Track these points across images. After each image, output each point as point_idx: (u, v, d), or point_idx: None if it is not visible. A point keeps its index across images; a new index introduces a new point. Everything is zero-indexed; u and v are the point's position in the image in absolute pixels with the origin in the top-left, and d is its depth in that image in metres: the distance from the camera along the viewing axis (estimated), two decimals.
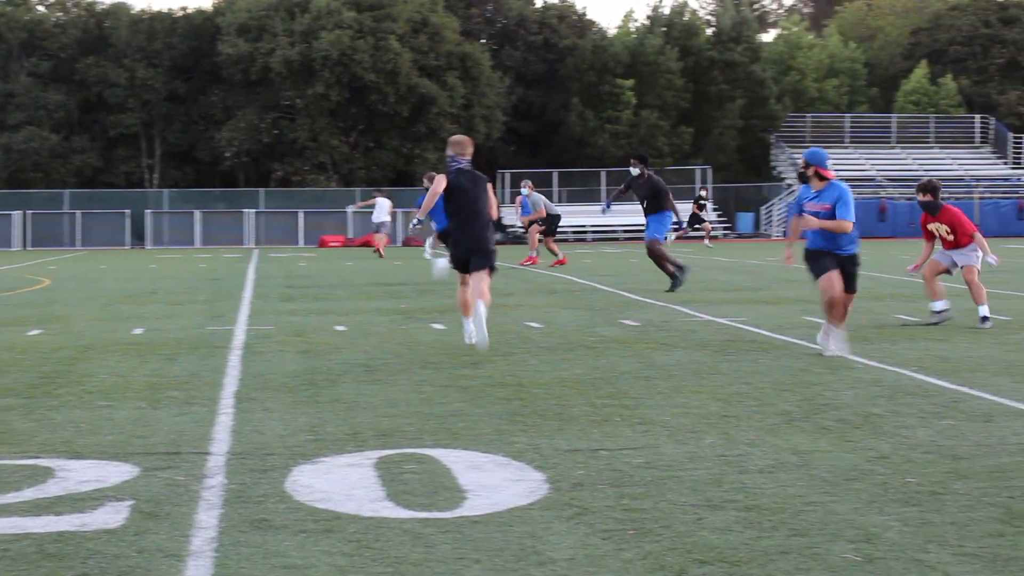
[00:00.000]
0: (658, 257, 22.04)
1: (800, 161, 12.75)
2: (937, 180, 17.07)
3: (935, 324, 15.92)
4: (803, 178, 12.92)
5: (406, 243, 54.12)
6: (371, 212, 44.58)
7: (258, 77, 61.34)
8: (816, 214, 12.71)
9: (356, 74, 59.61)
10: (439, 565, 5.73)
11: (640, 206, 23.12)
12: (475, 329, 13.61)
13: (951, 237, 16.23)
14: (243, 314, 18.52)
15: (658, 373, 11.78)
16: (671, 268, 21.74)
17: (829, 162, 12.70)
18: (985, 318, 15.77)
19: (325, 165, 61.69)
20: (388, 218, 45.24)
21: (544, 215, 32.61)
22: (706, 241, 48.11)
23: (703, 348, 13.71)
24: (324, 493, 7.06)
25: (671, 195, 22.86)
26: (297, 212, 57.95)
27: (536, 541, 6.08)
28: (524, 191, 33.06)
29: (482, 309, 13.49)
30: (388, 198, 45.13)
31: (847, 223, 12.68)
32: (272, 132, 61.31)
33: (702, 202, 48.85)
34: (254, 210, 58.13)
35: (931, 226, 16.41)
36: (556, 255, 31.79)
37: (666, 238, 23.87)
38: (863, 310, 18.10)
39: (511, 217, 50.74)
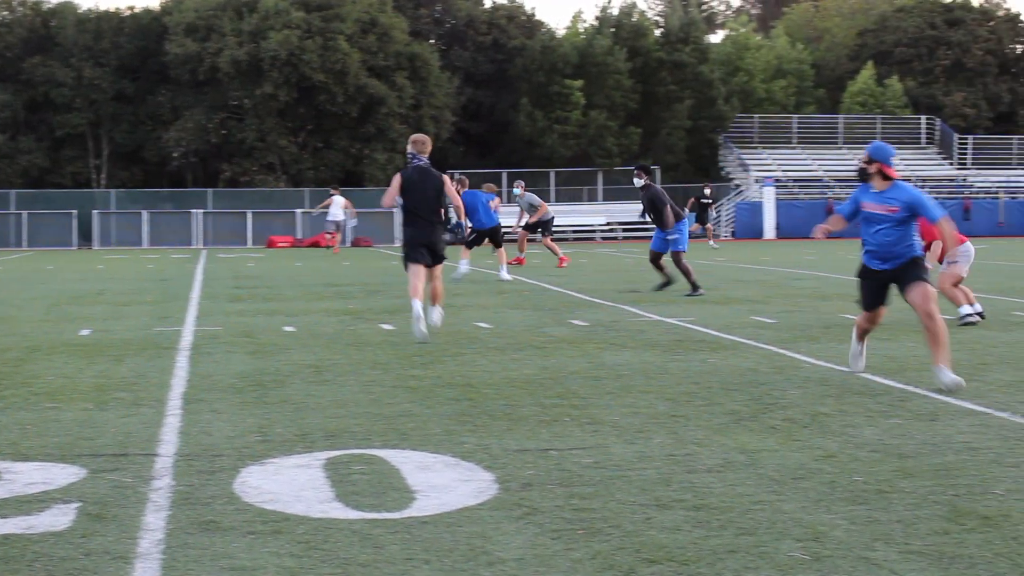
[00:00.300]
0: (683, 270, 21.48)
1: (862, 156, 11.27)
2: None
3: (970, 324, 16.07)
4: (863, 176, 11.32)
5: (355, 243, 54.01)
6: (325, 212, 45.25)
7: (206, 77, 61.03)
8: (879, 216, 11.02)
9: (304, 74, 59.41)
10: (388, 566, 5.72)
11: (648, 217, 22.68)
12: (421, 316, 14.42)
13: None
14: (191, 315, 18.44)
15: (607, 373, 11.80)
16: (692, 278, 21.23)
17: (895, 160, 11.37)
18: (968, 315, 16.14)
19: (273, 165, 61.45)
20: (344, 216, 45.57)
21: (546, 212, 32.19)
22: (711, 242, 47.49)
23: (652, 348, 13.75)
24: (272, 494, 7.04)
25: (670, 204, 22.16)
26: (245, 212, 57.70)
27: (485, 541, 6.09)
28: (516, 191, 32.52)
29: (434, 313, 15.08)
30: (344, 196, 45.50)
31: (945, 223, 11.19)
32: (220, 132, 61.02)
33: (705, 201, 48.44)
34: (202, 210, 57.84)
35: None
36: (557, 255, 31.47)
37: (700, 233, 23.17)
38: (810, 309, 18.22)
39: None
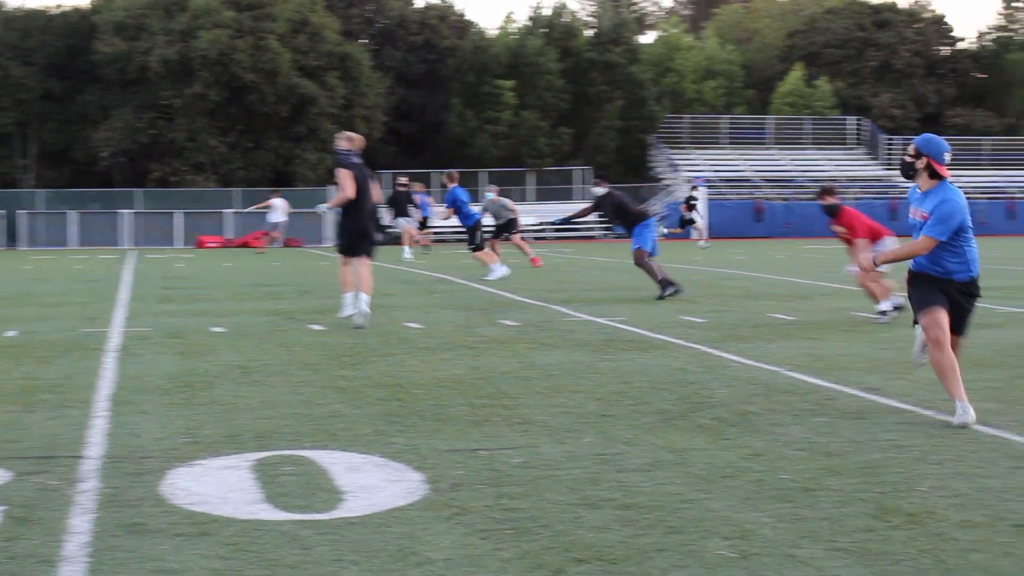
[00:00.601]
0: (644, 268, 21.16)
1: (909, 148, 9.42)
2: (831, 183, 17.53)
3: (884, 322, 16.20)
4: (908, 172, 9.44)
5: (286, 244, 53.80)
6: (265, 212, 45.77)
7: (135, 76, 60.56)
8: (917, 224, 9.45)
9: (235, 74, 59.10)
10: (316, 567, 5.71)
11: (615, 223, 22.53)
12: (353, 305, 16.00)
13: (849, 237, 16.73)
14: (119, 316, 18.29)
15: (537, 373, 11.82)
16: (659, 276, 20.78)
17: (948, 155, 9.35)
18: (883, 312, 16.36)
19: (203, 165, 61.05)
20: (285, 218, 45.87)
21: (516, 215, 31.60)
22: (701, 242, 46.94)
23: (582, 348, 13.78)
24: (200, 496, 7.00)
25: (628, 204, 21.98)
26: (175, 213, 57.30)
27: (414, 542, 6.08)
28: (490, 196, 32.05)
29: (364, 297, 16.05)
30: (284, 198, 45.95)
31: (924, 243, 9.30)
32: (150, 132, 60.56)
33: (692, 202, 48.35)
34: (131, 211, 57.35)
35: (835, 228, 16.93)
36: (528, 254, 31.10)
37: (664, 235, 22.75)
38: (739, 309, 18.33)
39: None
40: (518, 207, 32.89)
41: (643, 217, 21.82)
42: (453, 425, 9.11)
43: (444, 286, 24.30)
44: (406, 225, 38.15)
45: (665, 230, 46.13)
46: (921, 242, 9.24)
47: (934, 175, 9.28)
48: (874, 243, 16.49)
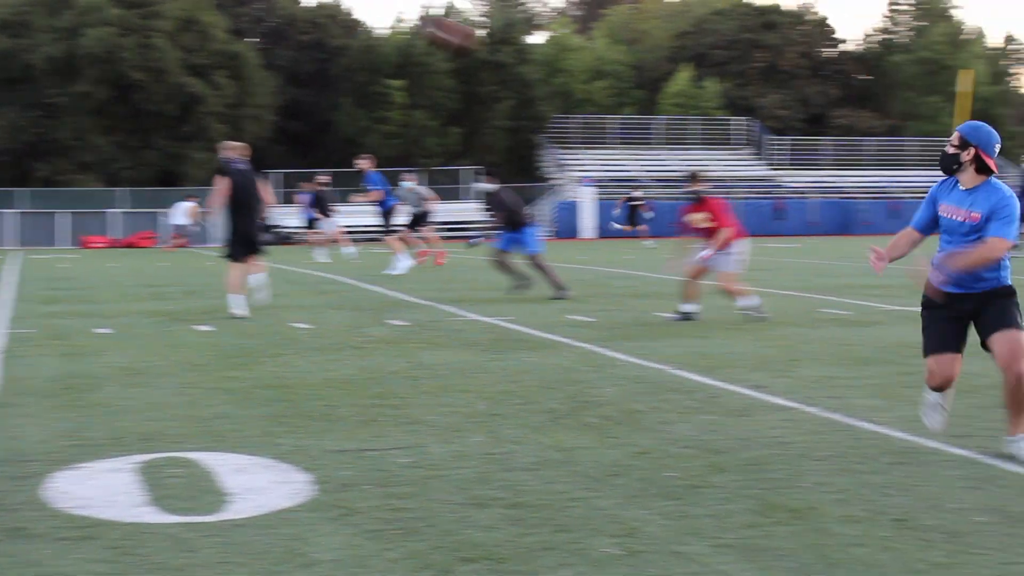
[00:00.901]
0: (542, 269, 20.85)
1: (951, 138, 8.04)
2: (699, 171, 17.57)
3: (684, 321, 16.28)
4: (950, 165, 7.97)
5: (176, 245, 53.29)
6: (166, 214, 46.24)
7: (20, 74, 59.63)
8: (955, 225, 7.94)
9: (122, 72, 58.42)
10: (202, 570, 5.67)
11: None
12: (241, 306, 17.28)
13: (710, 225, 16.56)
14: (3, 317, 18.01)
15: (425, 373, 11.82)
16: (554, 277, 20.56)
17: (999, 146, 7.97)
18: (747, 309, 16.56)
19: (89, 164, 60.28)
20: (188, 221, 45.69)
21: (431, 206, 31.00)
22: (647, 243, 46.40)
23: (470, 347, 13.80)
24: (84, 500, 6.92)
25: (517, 205, 21.52)
26: (60, 212, 56.50)
27: (301, 543, 6.06)
28: (406, 184, 31.14)
29: (257, 280, 18.44)
30: (192, 201, 45.79)
31: (1000, 244, 7.76)
32: (34, 131, 59.67)
33: (635, 203, 48.21)
34: (15, 211, 56.47)
35: (692, 216, 16.71)
36: (424, 248, 30.69)
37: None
38: (627, 308, 18.44)
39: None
40: (432, 199, 32.29)
41: (528, 220, 21.67)
42: (341, 425, 9.08)
43: (333, 286, 24.20)
44: (325, 227, 37.42)
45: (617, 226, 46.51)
46: (994, 244, 7.72)
47: (983, 169, 7.90)
48: (727, 245, 16.56)
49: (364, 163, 28.31)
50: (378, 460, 7.89)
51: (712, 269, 16.67)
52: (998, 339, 7.81)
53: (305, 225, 39.32)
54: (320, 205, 37.94)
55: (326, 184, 38.46)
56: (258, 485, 7.24)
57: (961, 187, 7.93)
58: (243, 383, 11.22)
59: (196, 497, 6.98)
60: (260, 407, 9.92)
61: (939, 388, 8.15)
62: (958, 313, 7.98)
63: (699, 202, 16.73)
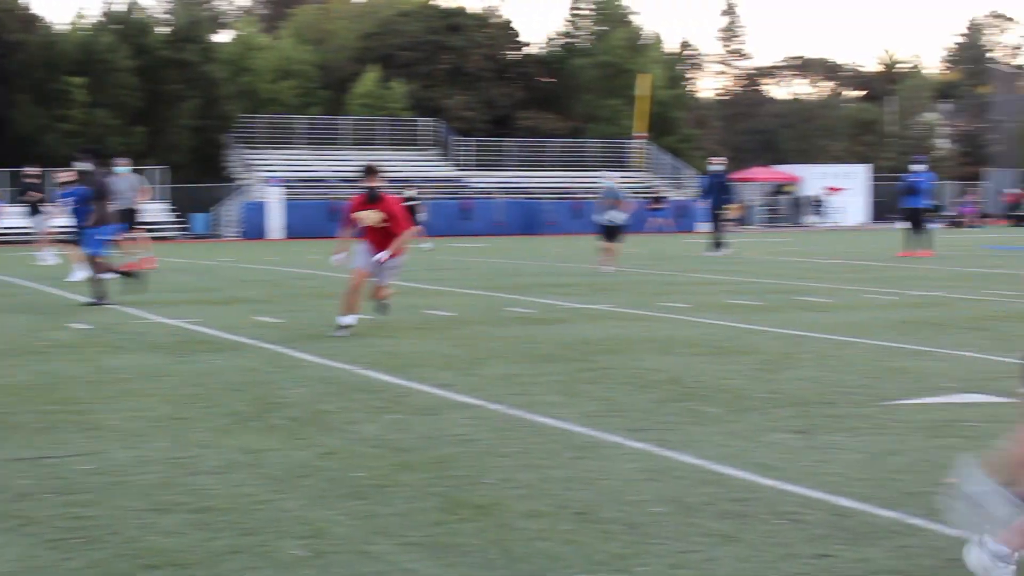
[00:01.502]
0: (99, 269, 19.26)
1: None
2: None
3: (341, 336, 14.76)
4: None
5: None
6: None
7: None
8: None
9: None
10: None
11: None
12: None
13: (386, 226, 15.17)
14: None
15: (108, 377, 11.56)
16: (101, 285, 19.09)
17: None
18: (345, 327, 15.00)
19: None
20: None
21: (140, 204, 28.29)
22: (424, 244, 44.88)
23: (154, 350, 13.55)
24: None
25: (108, 198, 19.69)
26: None
27: None
28: (120, 169, 27.94)
29: None
30: None
31: None
32: None
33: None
34: None
35: (364, 213, 15.20)
36: (139, 254, 27.42)
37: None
38: (314, 308, 18.38)
39: None
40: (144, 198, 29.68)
41: (111, 220, 19.87)
42: (18, 433, 8.81)
43: (7, 288, 23.41)
44: (41, 225, 33.82)
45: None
46: None
47: None
48: (380, 248, 15.15)
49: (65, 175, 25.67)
50: (58, 467, 7.69)
51: (376, 276, 15.46)
52: None
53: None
54: (31, 202, 35.36)
55: (35, 177, 36.24)
56: None
57: None
58: None
59: None
60: None
61: None
62: None
63: (375, 200, 15.22)
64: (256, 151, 64.97)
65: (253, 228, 57.76)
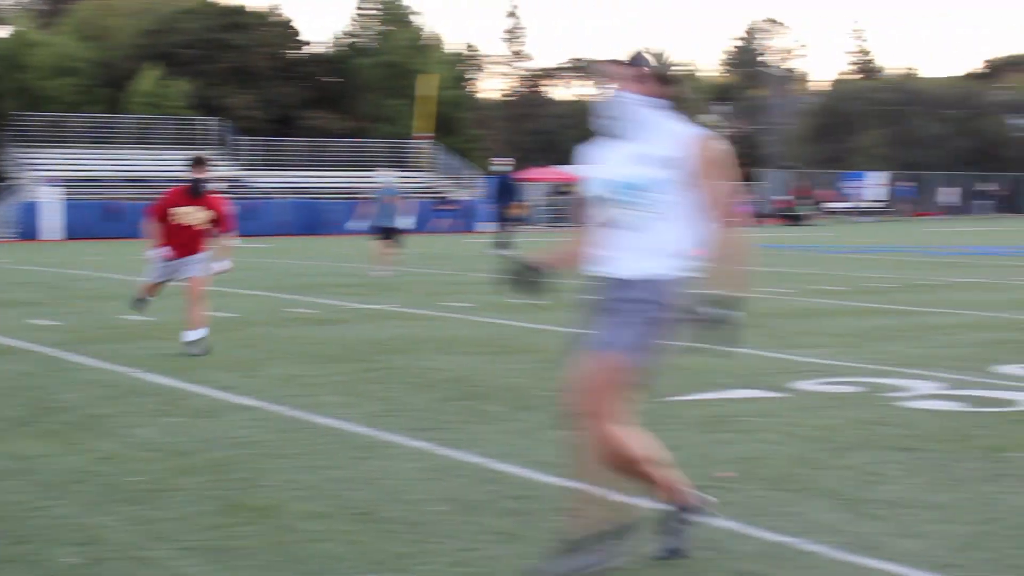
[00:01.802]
0: None
1: None
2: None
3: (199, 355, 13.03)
4: None
5: None
6: None
7: None
8: None
9: None
10: None
11: None
12: None
13: (208, 227, 13.73)
14: None
15: None
16: None
17: None
18: (195, 343, 13.24)
19: None
20: None
21: None
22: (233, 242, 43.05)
23: None
24: None
25: None
26: None
27: None
28: None
29: None
30: None
31: None
32: None
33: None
34: None
35: (185, 209, 13.66)
36: None
37: None
38: (92, 311, 18.01)
39: None
40: None
41: None
42: None
43: None
44: None
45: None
46: None
47: None
48: (185, 252, 13.64)
49: None
50: None
51: (177, 277, 13.93)
52: None
53: None
54: None
55: None
56: None
57: None
58: None
59: None
60: None
61: None
62: None
63: (199, 195, 13.73)
64: (32, 150, 63.35)
65: (29, 229, 56.33)
